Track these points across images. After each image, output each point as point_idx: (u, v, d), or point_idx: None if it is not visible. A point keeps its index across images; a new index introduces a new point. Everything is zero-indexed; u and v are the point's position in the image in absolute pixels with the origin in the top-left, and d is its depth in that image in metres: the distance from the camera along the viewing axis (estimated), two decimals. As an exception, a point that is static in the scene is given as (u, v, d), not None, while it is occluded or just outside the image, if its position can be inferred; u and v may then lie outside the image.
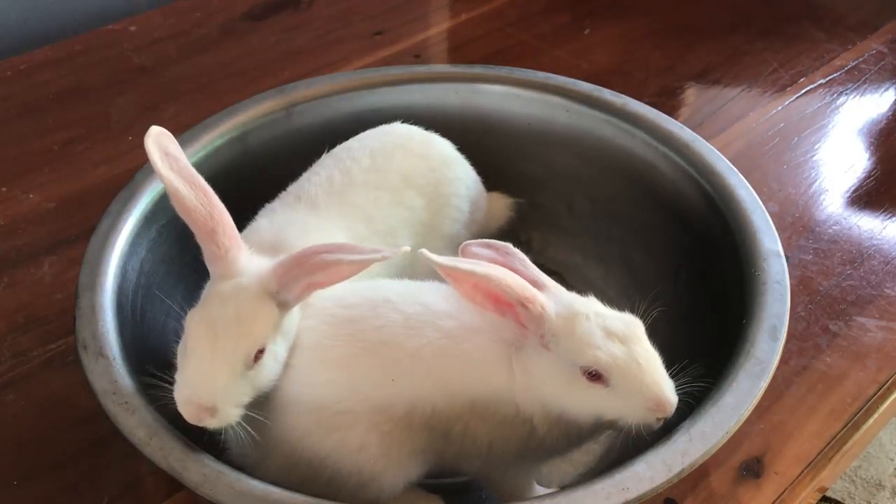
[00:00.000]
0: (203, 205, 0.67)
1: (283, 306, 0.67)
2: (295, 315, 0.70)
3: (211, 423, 0.65)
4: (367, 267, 0.67)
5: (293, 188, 0.83)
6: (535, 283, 0.68)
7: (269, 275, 0.67)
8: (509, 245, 0.71)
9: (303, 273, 0.66)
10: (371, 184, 0.82)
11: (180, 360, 0.66)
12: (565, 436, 0.70)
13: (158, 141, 0.68)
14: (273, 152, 0.94)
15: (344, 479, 0.68)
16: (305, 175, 0.85)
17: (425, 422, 0.68)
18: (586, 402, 0.66)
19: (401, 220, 0.83)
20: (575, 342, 0.65)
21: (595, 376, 0.65)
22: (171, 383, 0.66)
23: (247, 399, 0.66)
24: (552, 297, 0.68)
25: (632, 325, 0.67)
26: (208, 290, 0.68)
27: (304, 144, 0.86)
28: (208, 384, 0.64)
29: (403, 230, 0.84)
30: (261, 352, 0.66)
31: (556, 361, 0.66)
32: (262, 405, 0.68)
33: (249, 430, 0.66)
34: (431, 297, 0.71)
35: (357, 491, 0.69)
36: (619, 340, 0.66)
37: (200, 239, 0.68)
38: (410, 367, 0.68)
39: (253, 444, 0.69)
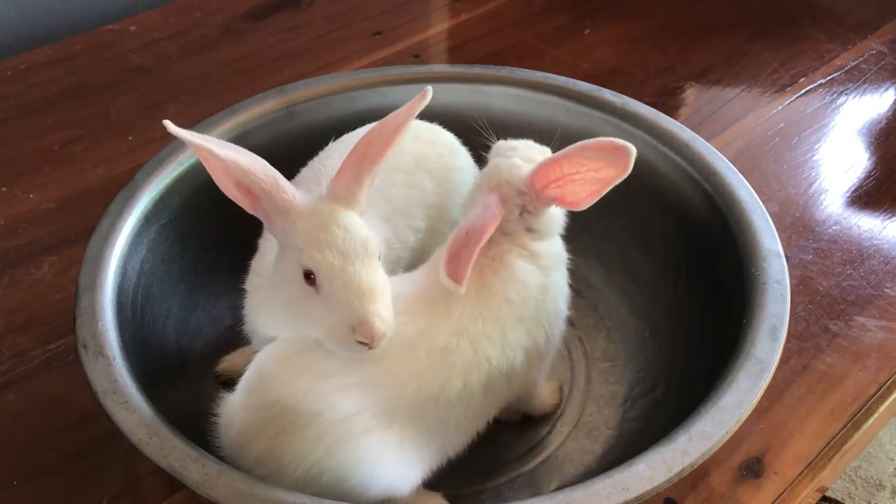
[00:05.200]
0: (257, 161, 0.66)
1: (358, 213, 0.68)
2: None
3: (385, 336, 0.64)
4: (416, 114, 0.69)
5: (308, 172, 0.83)
6: None
7: (339, 188, 0.67)
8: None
9: (371, 163, 0.67)
10: (385, 165, 0.83)
11: (323, 301, 0.64)
12: None
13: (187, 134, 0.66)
14: (273, 152, 0.93)
15: (366, 487, 0.66)
16: (317, 160, 0.84)
17: (484, 378, 0.70)
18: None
19: (415, 202, 0.84)
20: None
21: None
22: None
23: None
24: None
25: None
26: (289, 238, 0.66)
27: (304, 144, 0.86)
28: (384, 294, 0.65)
29: (418, 211, 0.85)
30: None
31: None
32: (274, 419, 0.66)
33: None
34: (426, 280, 0.73)
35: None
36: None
37: (265, 193, 0.66)
38: (457, 343, 0.69)
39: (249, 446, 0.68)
